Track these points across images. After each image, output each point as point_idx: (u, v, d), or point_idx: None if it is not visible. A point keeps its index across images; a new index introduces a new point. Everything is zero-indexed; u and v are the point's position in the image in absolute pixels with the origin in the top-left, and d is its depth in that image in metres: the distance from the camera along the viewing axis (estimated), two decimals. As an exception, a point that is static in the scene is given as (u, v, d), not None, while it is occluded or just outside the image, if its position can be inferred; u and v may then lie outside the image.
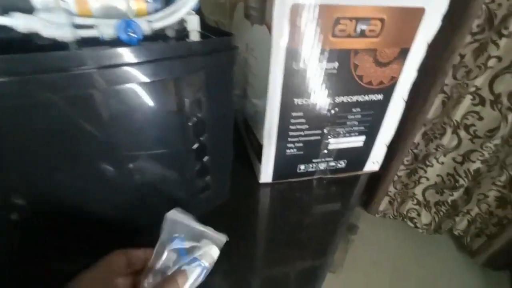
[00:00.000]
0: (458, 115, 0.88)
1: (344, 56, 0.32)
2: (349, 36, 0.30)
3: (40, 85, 0.17)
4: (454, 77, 0.84)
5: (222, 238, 0.25)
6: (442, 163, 1.00)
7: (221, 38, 0.25)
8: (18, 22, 0.19)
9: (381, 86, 0.35)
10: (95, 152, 0.22)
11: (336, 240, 0.35)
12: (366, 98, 0.36)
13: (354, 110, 0.37)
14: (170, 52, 0.23)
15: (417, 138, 0.98)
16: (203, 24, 0.26)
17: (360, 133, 0.40)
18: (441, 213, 1.08)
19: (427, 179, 1.05)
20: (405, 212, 1.17)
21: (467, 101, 0.85)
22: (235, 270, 0.30)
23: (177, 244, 0.23)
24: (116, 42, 0.22)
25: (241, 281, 0.29)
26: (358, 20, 0.29)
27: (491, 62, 0.75)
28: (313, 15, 0.28)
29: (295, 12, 0.28)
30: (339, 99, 0.35)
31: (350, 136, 0.40)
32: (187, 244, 0.23)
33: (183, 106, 0.25)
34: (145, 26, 0.24)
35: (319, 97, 0.35)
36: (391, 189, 1.13)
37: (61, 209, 0.23)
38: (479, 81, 0.80)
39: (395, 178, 1.09)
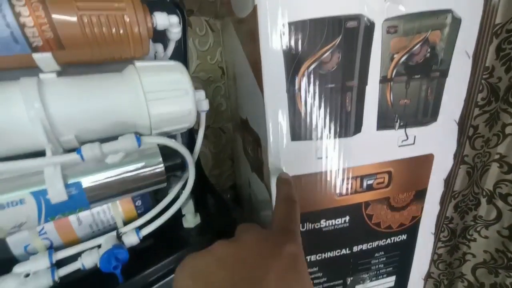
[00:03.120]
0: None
1: (355, 210, 0.29)
2: (356, 192, 0.28)
3: None
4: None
5: None
6: (486, 237, 0.87)
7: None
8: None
9: (403, 228, 0.31)
10: None
11: None
12: (388, 241, 0.31)
13: (376, 254, 0.32)
14: None
15: (449, 212, 0.88)
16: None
17: (389, 274, 0.34)
18: (503, 298, 0.90)
19: (473, 255, 0.91)
20: (457, 296, 0.99)
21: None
22: None
23: None
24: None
25: None
26: (362, 177, 0.27)
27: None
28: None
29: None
30: (357, 248, 0.31)
31: (378, 279, 0.34)
32: None
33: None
34: (133, 239, 0.22)
35: (334, 248, 0.30)
36: (433, 269, 0.98)
37: None
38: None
39: (435, 257, 0.95)
